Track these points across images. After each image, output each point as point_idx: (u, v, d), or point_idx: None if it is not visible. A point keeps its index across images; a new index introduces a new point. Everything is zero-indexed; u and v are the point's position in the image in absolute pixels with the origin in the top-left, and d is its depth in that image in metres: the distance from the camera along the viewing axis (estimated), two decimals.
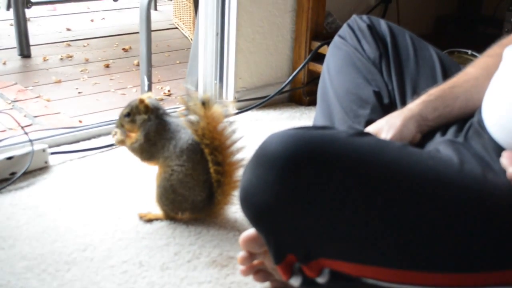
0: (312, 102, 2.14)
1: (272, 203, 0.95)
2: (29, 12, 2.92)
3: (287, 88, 2.17)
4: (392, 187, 0.93)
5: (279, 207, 0.95)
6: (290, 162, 0.93)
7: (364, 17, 1.48)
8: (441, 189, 0.94)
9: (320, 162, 0.93)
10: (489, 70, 1.21)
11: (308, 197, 0.93)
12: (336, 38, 1.51)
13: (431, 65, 1.40)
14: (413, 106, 1.25)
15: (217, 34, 2.08)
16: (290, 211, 0.93)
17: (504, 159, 1.00)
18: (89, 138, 1.83)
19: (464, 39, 2.37)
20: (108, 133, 1.86)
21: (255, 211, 0.98)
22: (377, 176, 0.93)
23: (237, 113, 2.06)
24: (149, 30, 2.20)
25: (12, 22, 2.85)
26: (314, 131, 0.98)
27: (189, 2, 2.92)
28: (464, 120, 1.22)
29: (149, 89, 2.23)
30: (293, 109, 2.15)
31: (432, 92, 1.24)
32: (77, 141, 1.81)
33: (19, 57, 2.69)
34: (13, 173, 1.58)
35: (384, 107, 1.38)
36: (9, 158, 1.58)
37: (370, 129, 1.24)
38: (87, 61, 2.69)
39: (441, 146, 1.17)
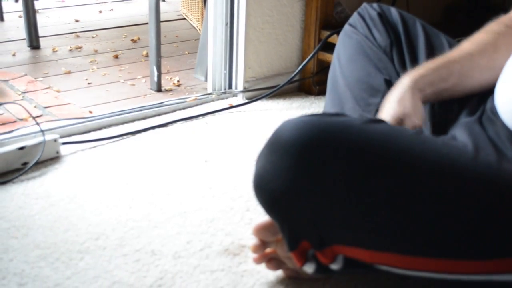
0: (321, 92, 2.14)
1: (287, 188, 0.95)
2: (37, 4, 2.92)
3: (296, 78, 2.16)
4: (405, 174, 0.93)
5: (293, 193, 0.95)
6: (304, 148, 0.94)
7: (375, 5, 1.47)
8: (455, 177, 0.94)
9: (334, 149, 0.93)
10: (484, 46, 1.20)
11: (322, 183, 0.93)
12: (346, 27, 1.50)
13: (443, 53, 1.39)
14: (409, 80, 1.18)
15: (226, 24, 2.08)
16: (305, 197, 0.94)
17: None
18: (99, 128, 1.84)
19: (474, 28, 2.35)
20: (118, 123, 1.87)
21: (270, 197, 0.98)
22: (390, 163, 0.93)
23: (246, 103, 2.06)
24: (158, 21, 2.20)
25: (21, 13, 2.86)
26: (328, 118, 0.98)
27: None
28: (478, 101, 1.20)
29: (159, 79, 2.23)
30: (302, 99, 2.15)
31: (428, 66, 1.20)
32: (88, 131, 1.82)
33: (29, 48, 2.69)
34: (25, 163, 1.58)
35: None
36: (21, 148, 1.59)
37: (386, 116, 1.19)
38: (96, 52, 2.69)
39: (457, 131, 1.16)
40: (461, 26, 2.53)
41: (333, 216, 0.95)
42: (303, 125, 0.96)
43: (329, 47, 2.06)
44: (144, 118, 1.92)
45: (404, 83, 1.18)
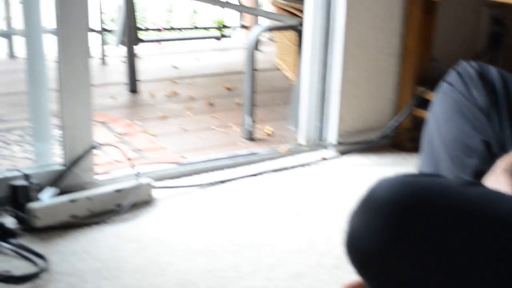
0: (415, 149, 2.09)
1: (379, 250, 0.93)
2: (138, 49, 3.04)
3: (390, 133, 2.14)
4: (507, 244, 0.89)
5: (386, 255, 0.92)
6: (400, 209, 0.91)
7: (473, 63, 1.44)
8: None
9: (430, 211, 0.91)
10: None
11: (417, 246, 0.90)
12: (443, 84, 1.47)
13: None
14: (506, 164, 1.16)
15: (320, 76, 2.09)
16: (398, 260, 0.91)
17: None
18: (191, 174, 1.87)
19: None
20: (210, 170, 1.90)
21: (362, 257, 0.96)
22: (490, 230, 0.90)
23: (338, 156, 2.04)
24: (253, 70, 2.24)
25: (122, 58, 2.98)
26: (425, 179, 0.96)
27: (293, 44, 2.96)
28: None
29: (251, 128, 2.25)
30: (395, 155, 2.11)
31: None
32: (180, 177, 1.85)
33: (128, 92, 2.80)
34: (119, 205, 1.63)
35: (494, 157, 1.33)
36: (117, 190, 1.63)
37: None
38: (191, 98, 2.76)
39: None
40: None
41: (426, 281, 0.92)
42: (398, 185, 0.94)
43: (424, 103, 2.03)
44: (235, 166, 1.94)
45: (500, 167, 1.15)
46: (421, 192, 0.92)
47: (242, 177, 1.86)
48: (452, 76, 1.47)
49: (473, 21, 2.44)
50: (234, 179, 1.85)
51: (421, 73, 2.14)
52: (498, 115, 1.36)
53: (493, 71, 1.42)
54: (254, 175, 1.88)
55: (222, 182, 1.83)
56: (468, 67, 1.45)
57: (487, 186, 1.16)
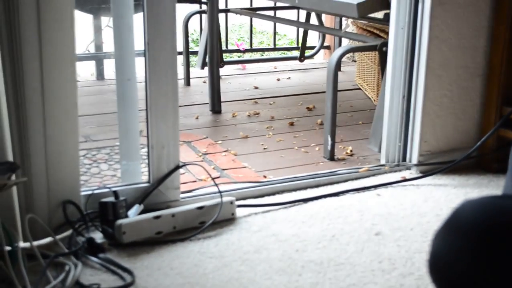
0: (501, 170, 2.05)
1: (463, 272, 0.91)
2: (221, 71, 3.11)
3: (474, 154, 2.09)
4: None
5: (470, 278, 0.91)
6: (485, 232, 0.90)
7: None
8: None
9: None
10: None
11: (502, 271, 0.89)
12: None
13: None
14: None
15: (403, 96, 2.08)
16: (486, 282, 0.90)
17: None
18: (273, 193, 1.89)
19: None
20: (291, 189, 1.91)
21: (445, 279, 0.95)
22: None
23: (420, 177, 2.02)
24: (335, 90, 2.25)
25: (206, 79, 3.05)
26: (511, 201, 0.94)
27: (374, 64, 2.95)
28: None
29: (332, 148, 2.26)
30: (480, 176, 2.07)
31: None
32: (262, 196, 1.88)
33: (211, 112, 2.86)
34: (202, 222, 1.66)
35: None
36: (200, 207, 1.67)
37: None
38: (272, 118, 2.79)
39: None
40: None
41: None
42: (485, 208, 0.93)
43: (510, 124, 1.98)
44: (317, 186, 1.95)
45: None
46: (508, 215, 0.91)
47: (323, 196, 1.87)
48: None
49: None
50: (315, 198, 1.86)
51: (507, 92, 2.09)
52: None
53: None
54: (335, 194, 1.88)
55: (303, 201, 1.84)
56: None
57: None
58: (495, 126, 2.05)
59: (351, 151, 2.35)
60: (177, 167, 1.77)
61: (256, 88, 3.33)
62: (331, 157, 2.27)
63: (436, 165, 2.07)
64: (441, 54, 2.04)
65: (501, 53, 2.06)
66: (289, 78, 3.58)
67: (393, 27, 2.07)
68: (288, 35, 5.44)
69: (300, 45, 3.86)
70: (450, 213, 0.98)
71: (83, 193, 1.67)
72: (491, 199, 0.95)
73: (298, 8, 3.50)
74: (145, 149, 1.79)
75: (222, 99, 2.93)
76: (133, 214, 1.66)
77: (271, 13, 3.78)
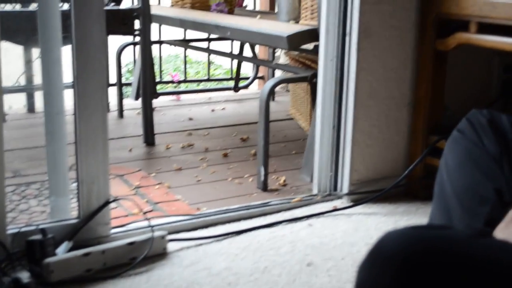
0: (428, 197, 2.08)
1: None
2: (155, 102, 3.09)
3: (403, 182, 2.14)
4: None
5: None
6: (406, 263, 0.92)
7: (485, 111, 1.45)
8: None
9: (438, 265, 0.91)
10: None
11: None
12: (454, 133, 1.49)
13: None
14: None
15: (333, 126, 2.12)
16: None
17: None
18: (206, 226, 1.89)
19: None
20: (224, 222, 1.91)
21: None
22: (495, 283, 0.90)
23: (351, 206, 2.05)
24: (267, 121, 2.27)
25: (139, 111, 3.03)
26: (432, 231, 0.96)
27: (306, 94, 2.99)
28: None
29: (265, 178, 2.27)
30: (409, 204, 2.11)
31: None
32: (195, 229, 1.87)
33: (144, 144, 2.84)
34: (133, 258, 1.64)
35: (506, 206, 1.33)
36: (131, 243, 1.65)
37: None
38: (206, 149, 2.79)
39: None
40: None
41: None
42: (406, 238, 0.95)
43: (437, 152, 2.04)
44: (250, 217, 1.95)
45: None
46: (429, 245, 0.93)
47: (256, 228, 1.87)
48: (463, 124, 1.48)
49: (485, 69, 2.47)
50: (247, 230, 1.86)
51: (433, 122, 2.15)
52: (509, 163, 1.37)
53: (504, 119, 1.43)
54: (268, 226, 1.89)
55: (236, 233, 1.84)
56: (479, 115, 1.46)
57: (497, 235, 1.17)
58: (422, 154, 2.10)
59: (284, 181, 2.37)
60: (107, 202, 1.75)
61: (190, 119, 3.33)
62: (265, 188, 2.28)
63: (367, 194, 2.11)
64: (369, 85, 2.09)
65: (427, 84, 2.13)
66: (223, 108, 3.59)
67: (322, 59, 2.11)
68: (224, 65, 5.46)
69: (235, 75, 3.88)
70: (372, 244, 1.00)
71: (9, 232, 1.63)
72: (411, 229, 0.97)
73: (231, 39, 3.53)
74: (76, 184, 1.76)
75: (157, 130, 2.91)
76: (62, 251, 1.63)
77: (205, 44, 3.80)
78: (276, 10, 3.26)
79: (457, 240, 0.95)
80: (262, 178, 2.28)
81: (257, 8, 4.01)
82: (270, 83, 2.42)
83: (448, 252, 0.92)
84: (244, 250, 1.74)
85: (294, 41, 2.29)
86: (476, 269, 0.91)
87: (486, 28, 1.89)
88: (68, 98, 1.79)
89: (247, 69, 4.23)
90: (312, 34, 2.32)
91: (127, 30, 2.84)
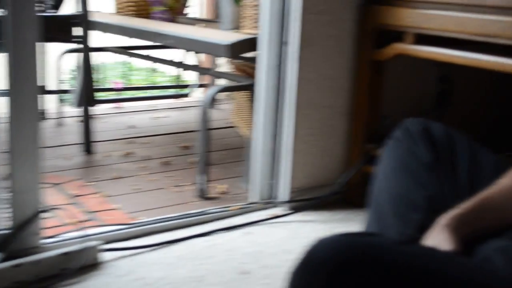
0: (365, 204, 2.12)
1: None
2: (97, 109, 3.04)
3: (341, 190, 2.16)
4: None
5: None
6: (335, 269, 0.92)
7: (419, 120, 1.48)
8: None
9: (365, 271, 0.92)
10: None
11: None
12: (390, 141, 1.51)
13: (489, 172, 1.37)
14: (447, 220, 1.20)
15: (273, 135, 2.12)
16: None
17: None
18: (142, 235, 1.86)
19: None
20: (160, 231, 1.89)
21: None
22: (419, 286, 0.91)
23: (290, 213, 2.05)
24: (207, 129, 2.26)
25: (79, 119, 2.98)
26: (363, 239, 0.97)
27: (248, 102, 2.99)
28: None
29: (205, 187, 2.26)
30: (346, 211, 2.13)
31: (465, 207, 1.20)
32: (131, 238, 1.84)
33: (83, 153, 2.79)
34: (65, 269, 1.60)
35: (436, 213, 1.36)
36: (64, 254, 1.61)
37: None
38: (147, 158, 2.76)
39: (493, 254, 1.13)
40: None
41: None
42: (335, 245, 0.96)
43: (374, 160, 2.06)
44: (187, 226, 1.94)
45: (440, 223, 1.18)
46: (359, 252, 0.94)
47: (193, 236, 1.86)
48: (398, 132, 1.50)
49: (421, 79, 2.51)
50: (184, 239, 1.84)
51: (371, 130, 2.18)
52: (441, 171, 1.39)
53: (438, 128, 1.46)
54: (205, 234, 1.88)
55: (173, 242, 1.82)
56: (414, 123, 1.49)
57: (427, 242, 1.18)
58: (358, 162, 2.13)
59: (224, 189, 2.36)
60: (40, 212, 1.70)
61: (132, 127, 3.29)
62: (204, 196, 2.27)
63: (305, 201, 2.12)
64: (308, 93, 2.10)
65: (364, 93, 2.16)
66: (166, 116, 3.57)
67: (262, 68, 2.11)
68: (168, 71, 5.43)
69: (177, 83, 3.86)
70: (304, 251, 1.00)
71: None
72: (342, 236, 0.97)
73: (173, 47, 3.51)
74: (8, 194, 1.71)
75: (97, 138, 2.87)
76: None
77: (149, 51, 3.76)
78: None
79: (386, 247, 0.96)
80: (202, 186, 2.27)
81: (203, 17, 4.00)
82: (211, 91, 2.42)
83: (377, 259, 0.93)
84: (181, 259, 1.73)
85: (235, 50, 2.28)
86: (402, 276, 0.92)
87: (425, 39, 1.93)
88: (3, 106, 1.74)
89: (192, 76, 4.21)
90: (253, 43, 2.32)
91: (65, 37, 2.79)
